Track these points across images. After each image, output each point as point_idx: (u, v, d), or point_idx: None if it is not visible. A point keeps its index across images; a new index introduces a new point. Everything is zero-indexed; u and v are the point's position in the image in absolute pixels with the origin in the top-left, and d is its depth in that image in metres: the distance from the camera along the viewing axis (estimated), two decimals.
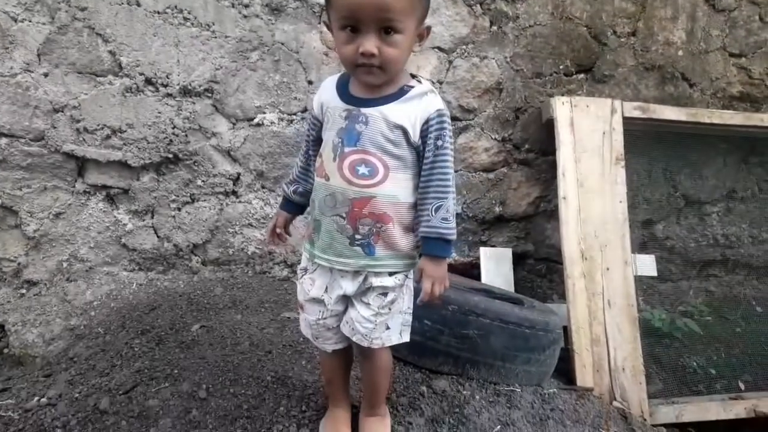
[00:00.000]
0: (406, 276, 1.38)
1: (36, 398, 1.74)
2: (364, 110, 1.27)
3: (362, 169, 1.27)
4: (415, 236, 1.34)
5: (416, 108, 1.27)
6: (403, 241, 1.33)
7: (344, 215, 1.29)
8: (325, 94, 1.36)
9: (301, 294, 1.45)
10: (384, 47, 1.17)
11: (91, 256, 2.44)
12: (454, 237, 1.31)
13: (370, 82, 1.25)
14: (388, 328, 1.38)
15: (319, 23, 2.47)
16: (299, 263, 1.49)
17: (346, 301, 1.40)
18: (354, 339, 1.39)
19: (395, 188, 1.29)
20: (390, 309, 1.37)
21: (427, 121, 1.26)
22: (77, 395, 1.71)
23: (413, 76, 1.32)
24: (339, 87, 1.34)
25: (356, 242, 1.30)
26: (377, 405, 1.55)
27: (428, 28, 1.29)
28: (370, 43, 1.16)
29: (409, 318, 1.43)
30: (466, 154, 2.74)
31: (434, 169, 1.28)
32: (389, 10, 1.14)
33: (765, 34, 3.04)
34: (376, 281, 1.33)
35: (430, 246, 1.31)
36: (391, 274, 1.34)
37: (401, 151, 1.28)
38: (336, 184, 1.29)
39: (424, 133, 1.27)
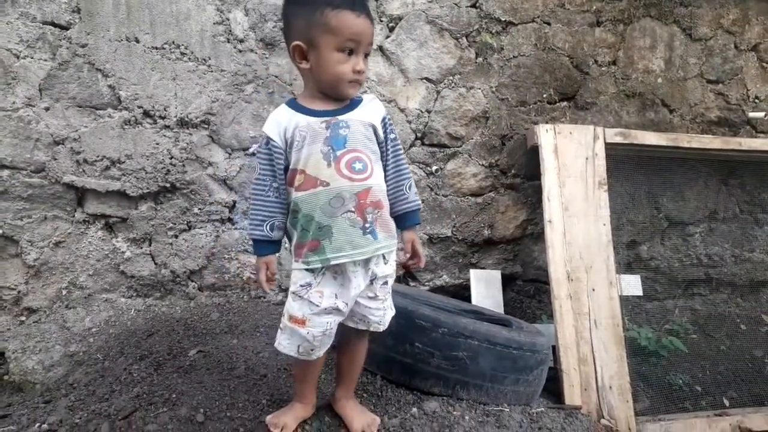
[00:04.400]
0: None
1: (37, 424, 1.77)
2: (341, 117, 1.47)
3: (358, 165, 1.46)
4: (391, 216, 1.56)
5: (374, 111, 1.53)
6: (390, 222, 1.54)
7: (353, 209, 1.45)
8: (286, 121, 1.48)
9: (304, 308, 1.47)
10: (365, 67, 1.45)
11: (90, 283, 2.49)
12: None
13: (352, 95, 1.49)
14: (389, 309, 1.61)
15: None
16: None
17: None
18: (371, 328, 1.57)
19: (378, 177, 1.51)
20: (389, 293, 1.60)
21: (383, 120, 1.54)
22: (77, 421, 1.74)
23: None
24: (298, 109, 1.49)
25: (367, 231, 1.47)
26: (354, 386, 1.72)
27: None
28: (364, 64, 1.43)
29: None
30: (455, 179, 2.83)
31: (397, 157, 1.57)
32: (372, 41, 1.46)
33: (740, 61, 3.16)
34: (378, 271, 1.52)
35: (413, 217, 1.60)
36: (386, 260, 1.54)
37: (375, 146, 1.52)
38: (339, 185, 1.44)
39: (384, 129, 1.54)
